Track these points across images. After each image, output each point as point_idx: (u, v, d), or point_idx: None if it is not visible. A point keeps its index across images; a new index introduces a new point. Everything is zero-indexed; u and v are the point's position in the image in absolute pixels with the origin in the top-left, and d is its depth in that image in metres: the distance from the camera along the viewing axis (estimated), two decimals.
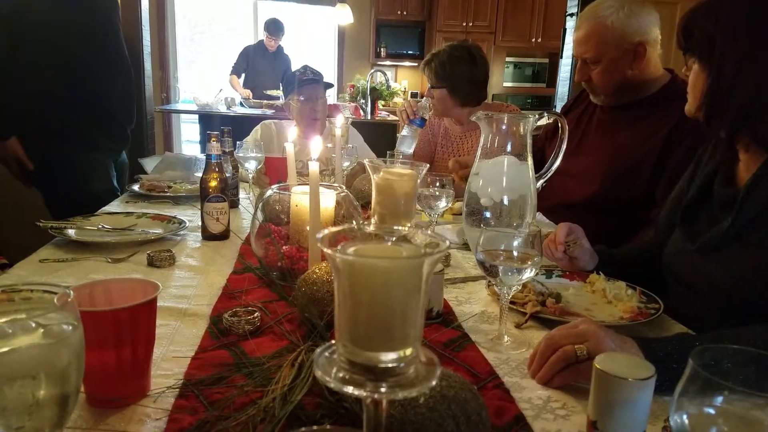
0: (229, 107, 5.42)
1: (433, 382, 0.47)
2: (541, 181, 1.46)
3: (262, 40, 6.19)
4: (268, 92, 5.94)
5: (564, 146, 1.43)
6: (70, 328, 0.56)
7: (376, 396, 0.47)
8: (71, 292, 0.57)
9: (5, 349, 0.51)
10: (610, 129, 1.88)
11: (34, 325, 0.55)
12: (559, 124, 1.44)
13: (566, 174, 1.82)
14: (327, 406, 0.75)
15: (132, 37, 3.80)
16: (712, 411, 0.55)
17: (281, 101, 6.06)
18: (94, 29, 2.12)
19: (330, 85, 2.71)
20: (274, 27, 6.07)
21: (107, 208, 1.92)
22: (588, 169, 1.87)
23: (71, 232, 1.54)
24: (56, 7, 2.04)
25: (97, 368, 0.73)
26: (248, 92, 5.99)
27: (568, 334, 0.89)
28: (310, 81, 2.57)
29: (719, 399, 0.54)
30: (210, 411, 0.76)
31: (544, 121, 1.73)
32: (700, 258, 1.22)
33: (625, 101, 1.85)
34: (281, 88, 6.08)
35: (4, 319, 0.55)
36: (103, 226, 1.60)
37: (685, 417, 0.55)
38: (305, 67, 2.63)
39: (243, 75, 6.27)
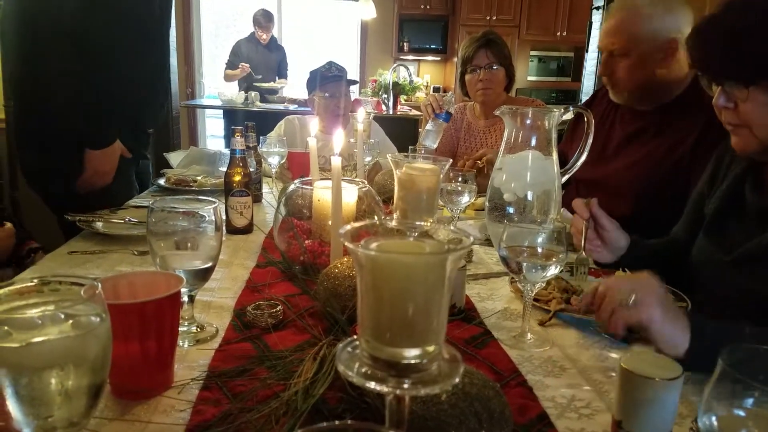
0: (251, 102, 5.43)
1: (456, 379, 0.47)
2: (566, 176, 1.43)
3: (253, 32, 6.06)
4: (264, 85, 5.89)
5: (590, 140, 1.41)
6: (98, 319, 0.57)
7: (398, 392, 0.47)
8: (99, 285, 0.58)
9: (35, 340, 0.52)
10: (637, 136, 1.78)
11: (63, 316, 0.56)
12: (585, 118, 1.42)
13: (592, 185, 1.76)
14: (349, 401, 0.75)
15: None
16: (742, 413, 0.54)
17: (280, 91, 6.07)
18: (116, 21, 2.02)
19: (354, 82, 2.71)
20: (263, 18, 5.94)
21: (133, 202, 1.95)
22: (616, 180, 1.77)
23: (98, 224, 1.56)
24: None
25: (122, 360, 0.74)
26: (245, 66, 5.87)
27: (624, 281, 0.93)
28: (334, 77, 2.57)
29: (750, 401, 0.53)
30: (233, 403, 0.77)
31: (569, 116, 1.68)
32: (733, 269, 1.17)
33: (647, 103, 1.76)
34: (276, 75, 6.09)
35: (33, 311, 0.57)
36: (130, 219, 1.62)
37: (714, 419, 0.54)
38: (330, 63, 2.63)
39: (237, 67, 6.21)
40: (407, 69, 6.17)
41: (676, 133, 1.68)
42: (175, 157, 2.60)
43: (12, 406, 0.52)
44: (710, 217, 1.26)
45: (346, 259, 1.04)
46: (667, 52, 1.65)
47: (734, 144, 1.14)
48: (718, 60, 1.09)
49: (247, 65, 5.85)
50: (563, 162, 1.40)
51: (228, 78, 6.11)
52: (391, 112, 5.60)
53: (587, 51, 5.41)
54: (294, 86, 6.30)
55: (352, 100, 2.92)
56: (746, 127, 1.09)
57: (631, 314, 0.90)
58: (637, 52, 1.67)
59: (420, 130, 5.06)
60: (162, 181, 2.18)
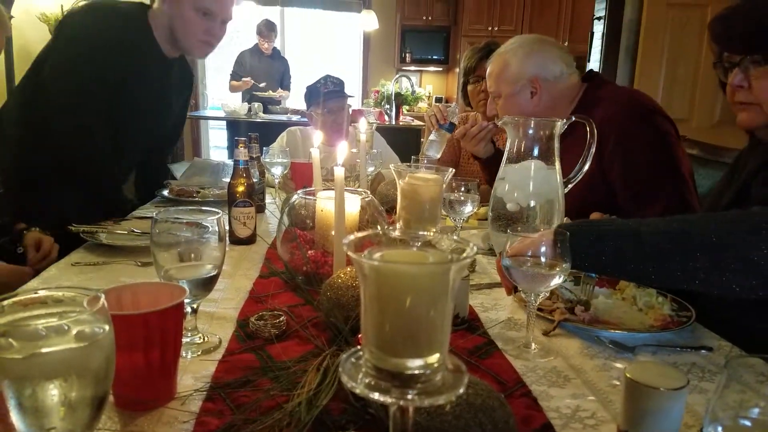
0: (254, 113, 5.46)
1: (461, 390, 0.47)
2: (570, 186, 1.43)
3: (257, 43, 6.15)
4: (264, 94, 5.93)
5: (593, 149, 1.41)
6: (102, 330, 0.57)
7: (402, 403, 0.46)
8: (102, 296, 0.58)
9: (39, 351, 0.52)
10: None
11: (66, 327, 0.56)
12: (588, 128, 1.42)
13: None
14: (352, 412, 0.75)
15: None
16: (748, 423, 0.53)
17: (283, 101, 6.09)
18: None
19: (349, 96, 2.71)
20: (266, 28, 6.02)
21: (137, 213, 1.95)
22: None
23: (102, 236, 1.57)
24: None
25: (125, 371, 0.74)
26: (248, 79, 5.96)
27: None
28: (331, 93, 2.57)
29: (755, 411, 0.53)
30: (237, 414, 0.77)
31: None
32: None
33: None
34: (279, 86, 6.13)
35: (37, 322, 0.57)
36: (134, 231, 1.62)
37: (719, 429, 0.54)
38: (326, 78, 2.62)
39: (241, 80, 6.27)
40: (409, 79, 6.20)
41: (576, 146, 1.62)
42: (178, 168, 2.62)
43: (15, 418, 0.52)
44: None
45: (349, 269, 1.04)
46: (533, 89, 1.80)
47: (741, 120, 1.22)
48: (740, 36, 1.17)
49: (250, 80, 5.89)
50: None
51: (233, 89, 6.16)
52: (393, 123, 5.62)
53: (588, 61, 5.42)
54: (296, 97, 6.35)
55: (353, 110, 2.92)
56: (757, 104, 1.17)
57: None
58: (505, 94, 1.84)
59: (422, 140, 5.08)
60: (165, 192, 2.18)
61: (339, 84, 2.62)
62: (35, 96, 1.92)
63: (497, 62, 1.85)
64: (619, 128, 1.63)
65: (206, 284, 0.97)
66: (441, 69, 7.57)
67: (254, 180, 1.81)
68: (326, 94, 2.56)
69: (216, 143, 7.79)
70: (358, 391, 0.47)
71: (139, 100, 2.03)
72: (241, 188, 1.60)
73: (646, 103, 1.71)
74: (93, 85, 1.88)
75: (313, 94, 2.61)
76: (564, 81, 1.81)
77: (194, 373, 0.89)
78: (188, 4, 1.96)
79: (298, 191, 1.38)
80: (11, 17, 3.97)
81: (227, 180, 1.72)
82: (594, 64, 5.23)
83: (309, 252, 1.28)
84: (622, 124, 1.63)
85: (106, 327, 0.57)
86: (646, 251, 0.97)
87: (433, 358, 0.47)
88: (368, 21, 5.90)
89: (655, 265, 0.97)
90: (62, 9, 4.42)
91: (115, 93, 1.93)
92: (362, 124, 1.85)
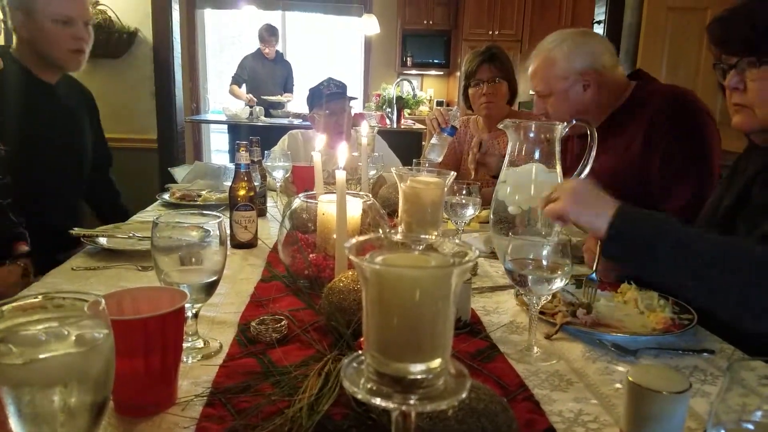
0: (256, 117, 5.47)
1: (463, 395, 0.46)
2: None
3: (260, 47, 6.17)
4: (268, 98, 5.95)
5: (593, 153, 1.41)
6: (102, 336, 0.56)
7: (404, 408, 0.46)
8: (102, 301, 0.57)
9: (39, 356, 0.52)
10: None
11: (66, 332, 0.56)
12: (588, 131, 1.42)
13: None
14: (354, 417, 0.74)
15: (163, 48, 3.89)
16: (750, 426, 0.53)
17: (285, 106, 6.12)
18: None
19: (353, 98, 2.71)
20: (267, 33, 6.05)
21: (138, 217, 1.95)
22: None
23: (103, 240, 1.57)
24: None
25: (126, 376, 0.74)
26: (250, 96, 6.00)
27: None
28: (334, 95, 2.57)
29: (758, 414, 0.53)
30: (237, 420, 0.76)
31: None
32: None
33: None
34: (282, 90, 6.15)
35: (37, 327, 0.56)
36: (134, 235, 1.62)
37: None
38: (329, 80, 2.63)
39: (244, 84, 6.29)
40: (410, 83, 6.20)
41: (624, 139, 1.78)
42: (179, 172, 2.61)
43: (15, 424, 0.51)
44: (721, 218, 1.28)
45: (350, 272, 1.04)
46: (585, 82, 1.78)
47: (735, 123, 1.24)
48: (737, 38, 1.18)
49: (252, 98, 5.93)
50: None
51: (232, 93, 6.18)
52: (394, 126, 5.62)
53: None
54: (299, 100, 6.36)
55: (355, 114, 2.92)
56: (750, 107, 1.18)
57: (550, 211, 1.12)
58: (556, 91, 1.81)
59: (423, 143, 5.08)
60: (167, 196, 2.18)
61: (341, 86, 2.63)
62: None
63: (541, 60, 1.83)
64: (668, 123, 1.66)
65: (207, 288, 0.97)
66: (442, 73, 7.57)
67: (256, 184, 1.81)
68: (328, 95, 2.56)
69: (217, 147, 7.79)
70: (360, 396, 0.46)
71: (29, 131, 2.00)
72: (242, 192, 1.60)
73: (697, 103, 1.73)
74: None
75: (315, 95, 2.61)
76: (613, 72, 1.81)
77: (195, 378, 0.89)
78: (45, 18, 1.93)
79: (300, 195, 1.38)
80: None
81: (228, 184, 1.72)
82: None
83: (310, 256, 1.28)
84: (672, 118, 1.66)
85: (106, 332, 0.57)
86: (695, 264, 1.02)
87: (436, 363, 0.47)
88: (369, 25, 5.91)
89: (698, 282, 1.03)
90: None
91: (11, 141, 1.87)
92: (364, 128, 1.85)
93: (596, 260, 1.27)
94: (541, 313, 1.10)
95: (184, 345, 0.91)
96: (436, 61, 7.39)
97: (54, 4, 1.92)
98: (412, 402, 0.46)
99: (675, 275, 1.05)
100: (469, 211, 1.55)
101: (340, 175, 1.13)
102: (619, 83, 1.83)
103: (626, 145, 1.76)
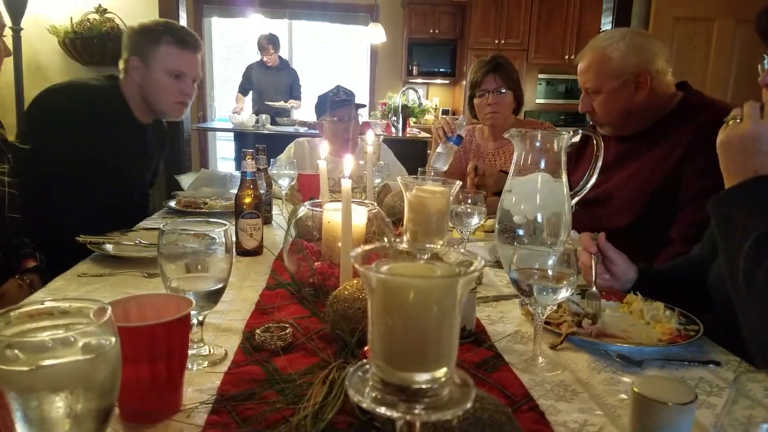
0: (262, 125, 5.50)
1: (468, 405, 0.46)
2: (576, 199, 1.43)
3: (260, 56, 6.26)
4: (272, 104, 6.00)
5: (599, 163, 1.41)
6: (108, 342, 0.57)
7: (409, 417, 0.46)
8: (109, 307, 0.58)
9: (45, 363, 0.52)
10: (628, 157, 1.85)
11: (72, 339, 0.56)
12: (594, 141, 1.42)
13: (593, 203, 1.81)
14: (358, 426, 0.74)
15: None
16: None
17: (293, 109, 6.17)
18: None
19: (362, 105, 2.73)
20: (265, 41, 6.12)
21: (144, 224, 1.96)
22: (613, 195, 1.85)
23: (109, 247, 1.57)
24: None
25: (131, 383, 0.74)
26: (241, 106, 6.17)
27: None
28: (342, 102, 2.59)
29: (764, 426, 0.52)
30: (242, 427, 0.76)
31: (577, 138, 1.71)
32: None
33: (630, 130, 1.83)
34: (289, 97, 6.20)
35: (44, 334, 0.57)
36: (140, 242, 1.63)
37: None
38: (338, 88, 2.65)
39: (250, 93, 6.35)
40: (416, 92, 6.21)
41: (663, 150, 1.74)
42: (186, 180, 2.63)
43: (21, 430, 0.52)
44: None
45: (355, 281, 1.04)
46: (637, 85, 1.74)
47: None
48: None
49: (254, 117, 6.00)
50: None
51: (237, 102, 6.24)
52: (400, 135, 5.63)
53: None
54: (306, 108, 6.39)
55: (361, 123, 2.93)
56: None
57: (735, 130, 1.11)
58: (607, 89, 1.77)
59: (429, 152, 5.08)
60: (173, 203, 2.19)
61: (350, 94, 2.64)
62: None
63: (594, 56, 1.79)
64: (713, 138, 1.62)
65: (213, 296, 0.97)
66: (447, 81, 7.60)
67: (261, 191, 1.81)
68: (336, 102, 2.57)
69: (223, 155, 7.82)
70: (364, 405, 0.46)
71: (114, 168, 2.08)
72: (248, 200, 1.61)
73: None
74: (58, 163, 1.91)
75: (323, 103, 2.63)
76: (665, 78, 1.77)
77: (200, 385, 0.89)
78: (159, 69, 2.03)
79: (305, 203, 1.38)
80: (21, 29, 4.03)
81: (234, 191, 1.72)
82: None
83: (315, 264, 1.28)
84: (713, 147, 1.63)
85: (113, 339, 0.57)
86: None
87: (441, 372, 0.47)
88: (376, 34, 5.94)
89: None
90: (72, 21, 4.46)
91: (90, 165, 1.96)
92: (369, 136, 1.85)
93: (593, 274, 1.27)
94: (546, 323, 1.09)
95: (190, 352, 0.91)
96: (441, 69, 7.41)
97: (171, 60, 2.04)
98: (417, 411, 0.45)
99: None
100: (475, 220, 1.55)
101: (346, 184, 1.13)
102: (669, 91, 1.78)
103: (665, 154, 1.73)
